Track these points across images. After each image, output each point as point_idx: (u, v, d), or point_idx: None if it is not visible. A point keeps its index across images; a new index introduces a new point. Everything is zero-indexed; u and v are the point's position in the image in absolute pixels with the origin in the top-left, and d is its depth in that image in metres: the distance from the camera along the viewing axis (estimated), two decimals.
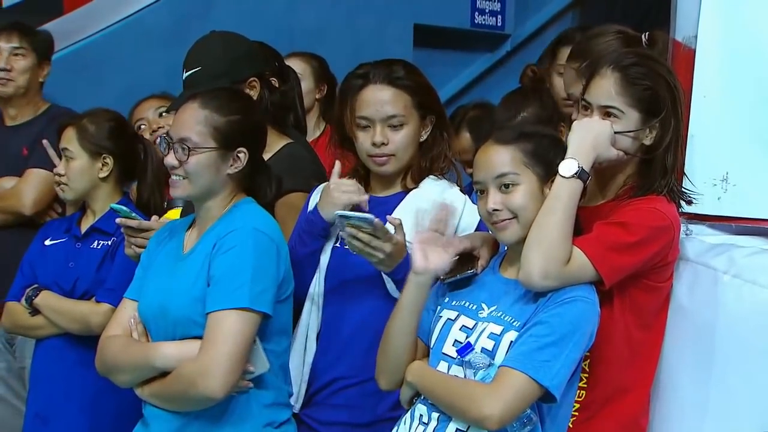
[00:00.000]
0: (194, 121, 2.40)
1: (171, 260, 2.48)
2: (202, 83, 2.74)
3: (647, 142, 2.40)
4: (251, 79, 2.82)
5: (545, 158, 2.31)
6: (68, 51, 4.58)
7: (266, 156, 2.79)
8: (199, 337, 2.33)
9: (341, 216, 2.48)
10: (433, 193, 2.64)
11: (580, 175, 2.28)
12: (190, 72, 2.81)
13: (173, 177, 2.42)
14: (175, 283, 2.41)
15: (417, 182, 2.70)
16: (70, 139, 3.07)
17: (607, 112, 2.38)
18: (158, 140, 2.49)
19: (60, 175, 3.08)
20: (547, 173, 2.31)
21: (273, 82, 3.00)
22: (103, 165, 3.07)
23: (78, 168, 3.06)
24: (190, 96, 2.50)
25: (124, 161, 3.11)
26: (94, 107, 3.20)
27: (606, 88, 2.38)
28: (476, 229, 2.60)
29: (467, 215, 2.63)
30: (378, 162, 2.66)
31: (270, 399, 2.44)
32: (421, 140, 2.70)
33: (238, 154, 2.43)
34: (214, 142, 2.40)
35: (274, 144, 2.84)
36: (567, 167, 2.28)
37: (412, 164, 2.70)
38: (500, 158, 2.31)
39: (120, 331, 2.48)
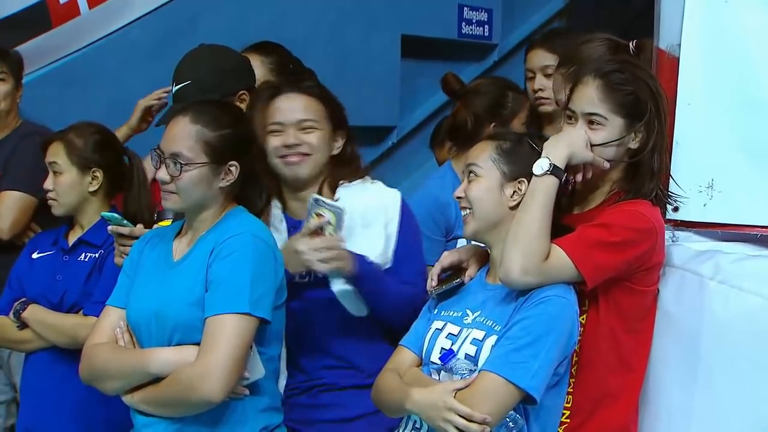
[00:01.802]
0: (186, 136, 2.41)
1: (160, 267, 2.48)
2: (192, 97, 2.75)
3: (633, 146, 2.42)
4: (241, 92, 2.82)
5: (518, 159, 2.35)
6: (56, 65, 4.57)
7: None
8: (197, 343, 2.33)
9: (315, 199, 2.53)
10: (359, 193, 2.67)
11: (554, 171, 2.31)
12: (179, 86, 2.81)
13: (163, 191, 2.43)
14: (170, 290, 2.41)
15: (333, 191, 2.69)
16: (57, 153, 3.06)
17: (591, 120, 2.40)
18: (150, 154, 2.49)
19: (49, 191, 3.07)
20: (514, 174, 2.34)
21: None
22: (92, 179, 3.07)
23: (67, 182, 3.05)
24: (180, 110, 2.51)
25: (113, 174, 3.10)
26: (80, 121, 3.19)
27: (589, 95, 2.40)
28: None
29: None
30: (290, 161, 2.65)
31: (265, 404, 2.46)
32: (334, 153, 2.70)
33: (230, 168, 2.44)
34: (206, 157, 2.41)
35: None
36: (539, 165, 2.33)
37: (326, 177, 2.70)
38: (476, 150, 2.40)
39: (105, 338, 2.47)
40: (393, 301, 2.61)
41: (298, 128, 2.65)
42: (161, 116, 2.87)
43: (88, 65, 4.65)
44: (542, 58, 3.47)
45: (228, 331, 2.30)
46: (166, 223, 2.89)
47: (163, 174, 2.41)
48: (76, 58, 4.65)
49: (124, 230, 2.79)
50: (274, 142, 2.66)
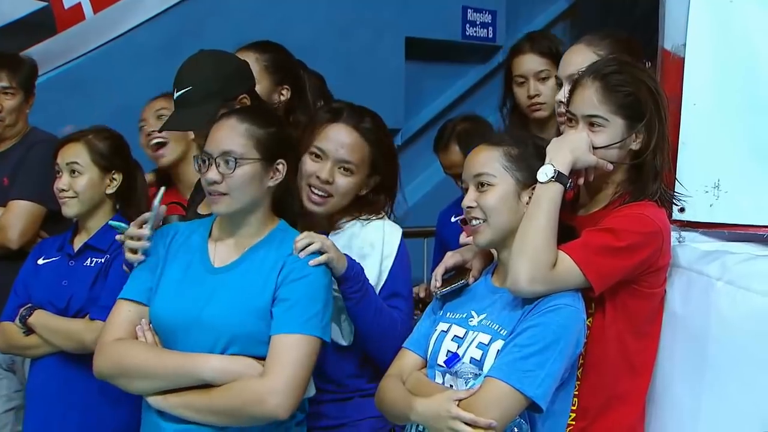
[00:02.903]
0: (236, 134, 2.42)
1: (197, 271, 2.46)
2: (194, 102, 2.75)
3: (635, 147, 2.41)
4: (242, 96, 2.82)
5: (528, 164, 2.34)
6: (61, 70, 4.60)
7: None
8: (254, 356, 2.36)
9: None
10: (361, 225, 2.71)
11: (558, 178, 2.30)
12: (181, 92, 2.81)
13: (213, 193, 2.42)
14: (223, 298, 2.40)
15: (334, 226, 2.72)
16: (78, 154, 3.07)
17: (591, 122, 2.39)
18: (193, 161, 2.49)
19: (64, 191, 3.07)
20: (528, 180, 2.33)
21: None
22: (110, 181, 3.09)
23: (88, 183, 3.06)
24: (222, 115, 2.53)
25: (128, 178, 3.13)
26: (89, 126, 3.20)
27: (588, 97, 2.39)
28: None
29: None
30: (313, 199, 2.68)
31: (300, 417, 2.50)
32: (360, 194, 2.72)
33: (278, 166, 2.46)
34: (258, 153, 2.42)
35: None
36: (543, 172, 2.31)
37: (338, 212, 2.72)
38: (482, 158, 2.36)
39: (123, 333, 2.45)
40: (378, 317, 2.60)
41: (337, 165, 2.67)
42: (167, 121, 2.87)
43: (93, 69, 4.67)
44: (536, 64, 3.41)
45: (299, 351, 2.34)
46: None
47: (213, 174, 2.41)
48: (81, 63, 4.68)
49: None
50: (310, 166, 2.69)
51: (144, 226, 2.55)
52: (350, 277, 2.53)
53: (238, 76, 2.85)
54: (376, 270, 2.67)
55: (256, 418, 2.34)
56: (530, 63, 3.41)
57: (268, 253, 2.43)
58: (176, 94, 2.82)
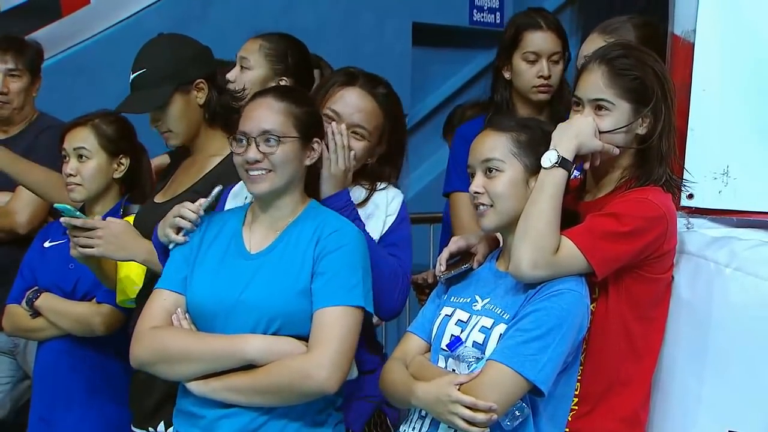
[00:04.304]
0: (275, 113, 2.40)
1: (233, 257, 2.43)
2: (149, 85, 2.75)
3: (641, 131, 2.40)
4: (198, 81, 2.81)
5: (536, 150, 2.33)
6: (66, 54, 4.59)
7: (216, 160, 2.80)
8: (297, 335, 2.33)
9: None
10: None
11: (562, 163, 2.29)
12: (136, 74, 2.81)
13: (254, 172, 2.39)
14: (264, 280, 2.37)
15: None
16: (85, 138, 3.06)
17: (598, 106, 2.38)
18: (230, 141, 2.44)
19: (72, 176, 3.07)
20: (536, 165, 2.32)
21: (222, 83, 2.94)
22: (118, 165, 3.09)
23: (95, 167, 3.06)
24: (257, 94, 2.51)
25: (135, 162, 3.13)
26: (100, 109, 3.20)
27: (594, 81, 2.39)
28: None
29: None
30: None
31: (340, 402, 2.45)
32: (366, 162, 2.66)
33: (314, 145, 2.44)
34: (296, 132, 2.40)
35: (225, 148, 2.76)
36: (547, 157, 2.31)
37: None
38: (489, 144, 2.35)
39: (160, 321, 2.41)
40: (376, 256, 2.54)
41: (350, 129, 2.61)
42: (121, 103, 2.85)
43: (98, 54, 4.67)
44: (553, 44, 3.25)
45: (344, 323, 2.31)
46: (131, 218, 2.88)
47: (254, 153, 2.37)
48: (86, 47, 4.68)
49: (77, 222, 2.77)
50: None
51: (200, 209, 2.51)
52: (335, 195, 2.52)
53: (196, 61, 2.82)
54: (379, 227, 2.63)
55: (305, 393, 2.30)
56: (548, 42, 3.25)
57: (303, 230, 2.41)
58: (131, 76, 2.81)
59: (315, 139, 2.44)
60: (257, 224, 2.46)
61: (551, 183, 2.29)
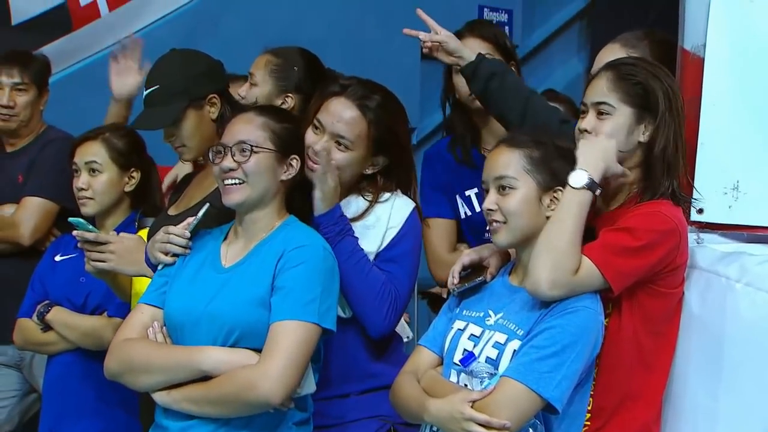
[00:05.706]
0: (252, 126, 2.45)
1: (207, 271, 2.47)
2: (162, 101, 2.76)
3: (642, 139, 2.40)
4: (211, 96, 2.82)
5: (550, 167, 2.33)
6: (77, 67, 4.60)
7: None
8: (253, 348, 2.35)
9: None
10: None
11: (590, 186, 2.29)
12: (149, 90, 2.82)
13: (228, 182, 2.43)
14: (229, 292, 2.40)
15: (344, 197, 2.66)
16: (96, 152, 3.08)
17: (600, 110, 2.39)
18: (208, 152, 2.49)
19: (83, 189, 3.08)
20: (549, 182, 2.32)
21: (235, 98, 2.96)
22: (129, 179, 3.09)
23: (107, 181, 3.08)
24: (241, 110, 2.59)
25: (146, 176, 3.14)
26: (109, 123, 3.21)
27: (599, 86, 2.41)
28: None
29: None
30: (310, 166, 2.57)
31: (300, 417, 2.45)
32: (366, 173, 2.66)
33: (291, 161, 2.47)
34: (272, 145, 2.44)
35: None
36: (577, 178, 2.29)
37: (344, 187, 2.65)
38: (503, 160, 2.34)
39: (135, 334, 2.46)
40: (357, 267, 2.55)
41: (332, 138, 2.62)
42: (135, 120, 2.86)
43: (109, 67, 4.66)
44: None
45: (294, 337, 2.32)
46: (145, 231, 2.88)
47: (228, 162, 2.42)
48: (97, 60, 4.67)
49: (90, 236, 2.79)
50: (309, 137, 2.64)
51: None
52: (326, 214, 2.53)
53: (208, 76, 2.83)
54: (378, 240, 2.63)
55: (250, 404, 2.32)
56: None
57: (272, 246, 2.43)
58: (144, 93, 2.82)
59: (293, 156, 2.47)
60: (236, 239, 2.51)
61: (578, 203, 2.28)
